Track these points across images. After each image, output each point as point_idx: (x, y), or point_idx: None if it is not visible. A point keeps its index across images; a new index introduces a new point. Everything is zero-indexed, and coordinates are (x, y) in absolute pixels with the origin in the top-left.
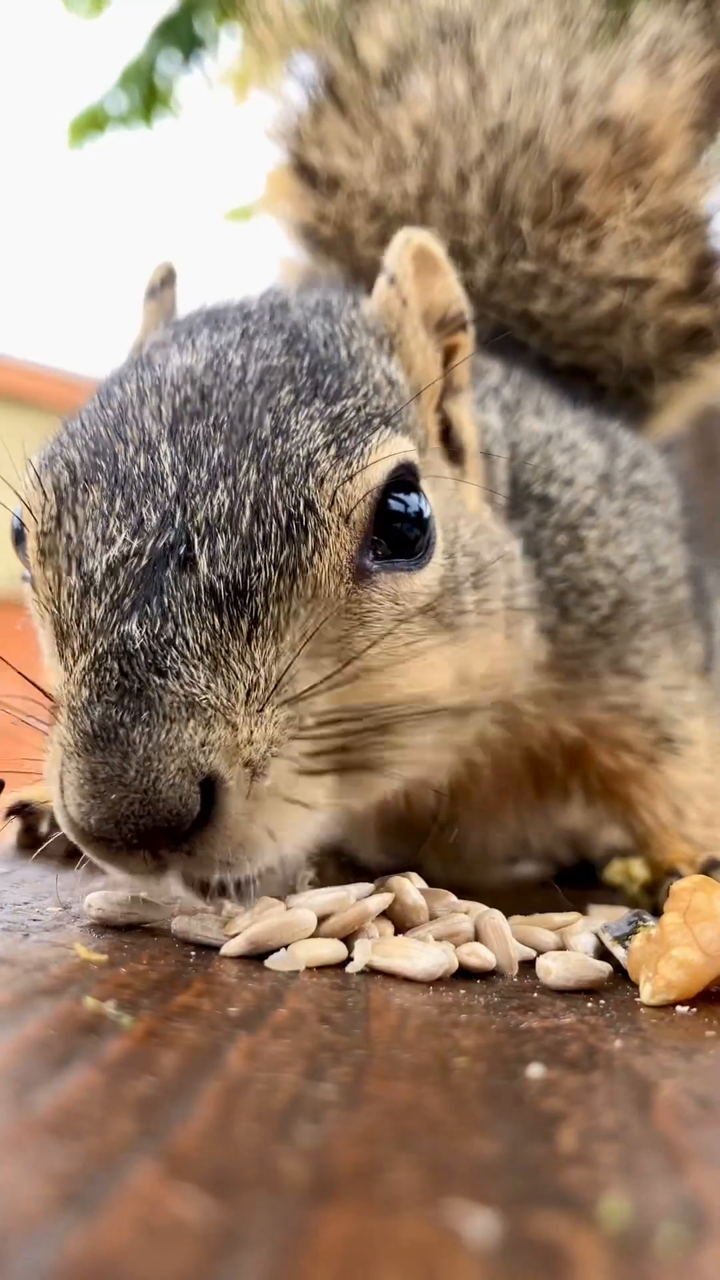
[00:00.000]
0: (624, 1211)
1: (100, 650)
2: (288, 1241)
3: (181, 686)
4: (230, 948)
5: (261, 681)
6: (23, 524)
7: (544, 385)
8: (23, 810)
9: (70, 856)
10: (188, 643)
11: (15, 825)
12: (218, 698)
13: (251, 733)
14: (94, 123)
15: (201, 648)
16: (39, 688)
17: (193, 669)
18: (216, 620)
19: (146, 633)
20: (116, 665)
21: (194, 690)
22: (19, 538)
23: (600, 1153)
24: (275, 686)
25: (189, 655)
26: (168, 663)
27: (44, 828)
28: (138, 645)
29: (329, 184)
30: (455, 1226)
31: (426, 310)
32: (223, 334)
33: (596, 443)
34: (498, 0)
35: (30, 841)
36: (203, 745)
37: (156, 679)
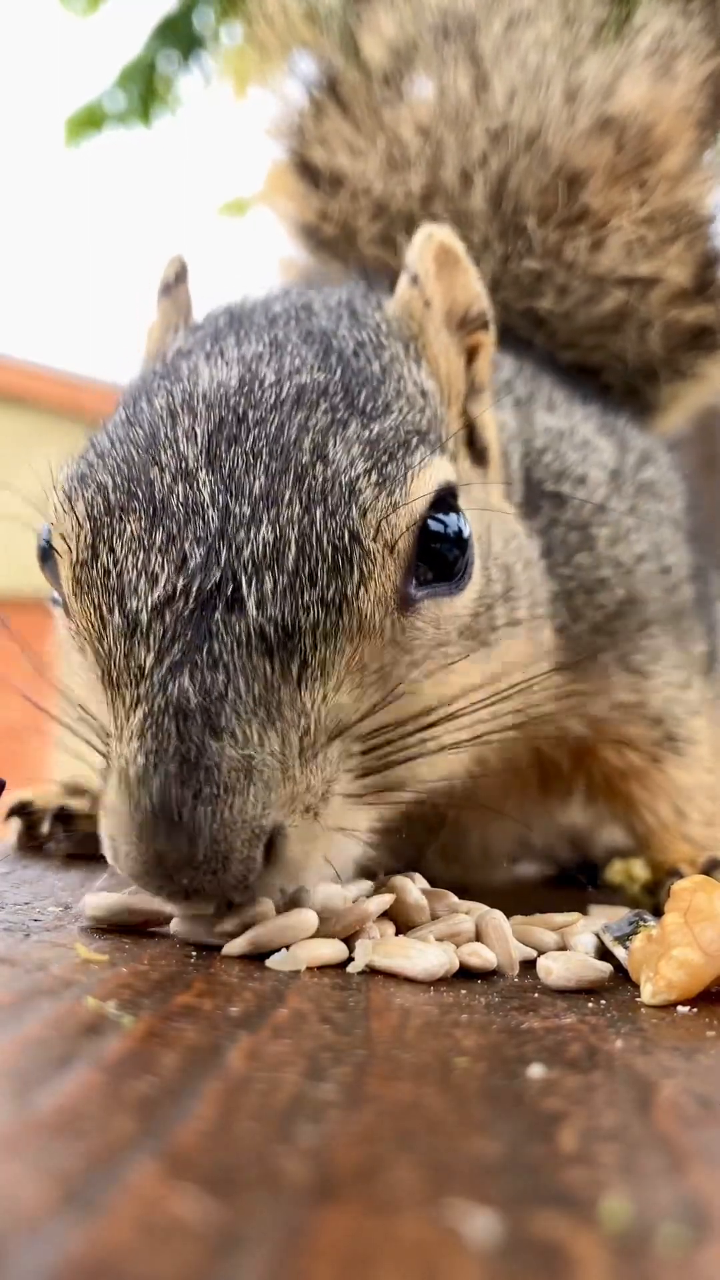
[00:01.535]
0: (624, 1211)
1: (155, 708)
2: (288, 1241)
3: (238, 750)
4: (232, 948)
5: (313, 726)
6: (50, 544)
7: (553, 379)
8: (23, 810)
9: (71, 857)
10: (240, 695)
11: (16, 825)
12: (273, 754)
13: (309, 781)
14: (91, 121)
15: (255, 699)
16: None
17: (247, 725)
18: (268, 666)
19: (200, 687)
20: (173, 727)
21: (250, 752)
22: (45, 556)
23: (601, 1153)
24: (326, 729)
25: (243, 711)
26: (223, 722)
27: (44, 828)
28: (192, 704)
29: (331, 183)
30: (456, 1226)
31: (449, 309)
32: (251, 344)
33: (607, 438)
34: None
35: (31, 842)
36: (264, 809)
37: (213, 743)
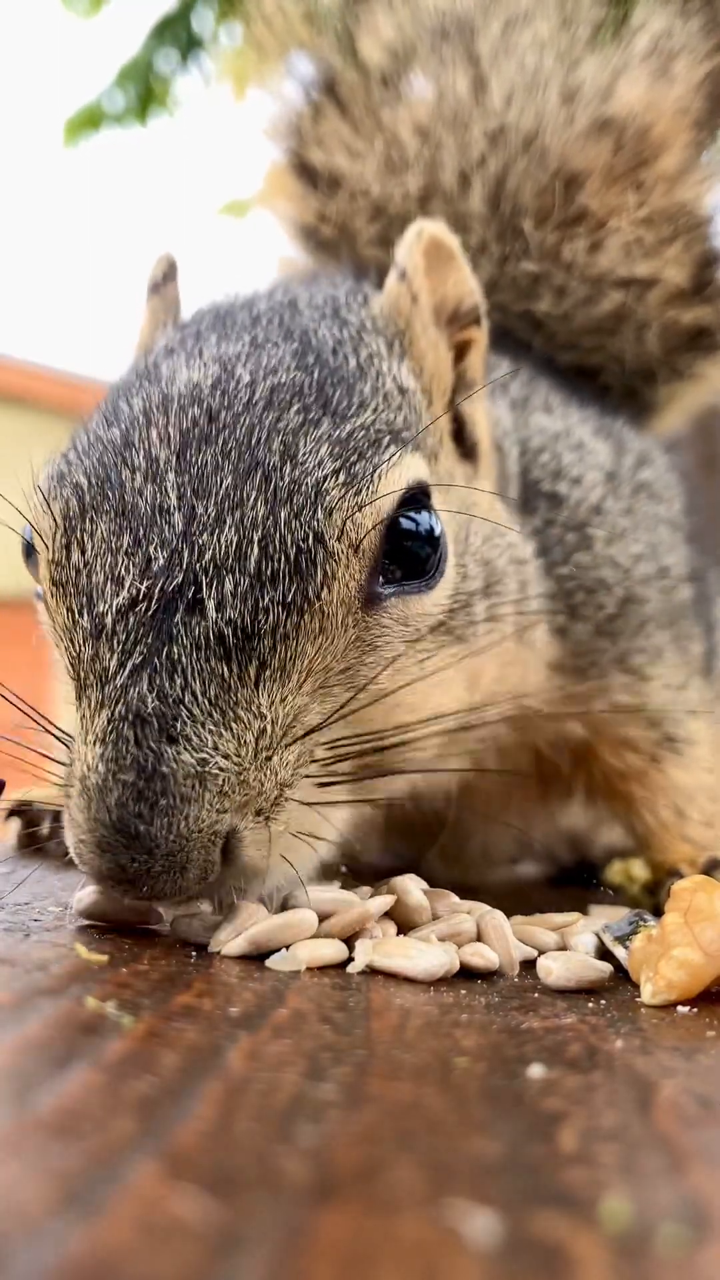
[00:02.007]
0: (624, 1211)
1: (116, 715)
2: (288, 1241)
3: (193, 754)
4: (231, 948)
5: (269, 727)
6: (32, 542)
7: (550, 383)
8: (23, 811)
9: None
10: (197, 698)
11: (16, 825)
12: (227, 758)
13: (262, 784)
14: (90, 121)
15: (210, 701)
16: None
17: (201, 728)
18: (225, 669)
19: (158, 693)
20: (131, 734)
21: (204, 756)
22: (29, 553)
23: (601, 1153)
24: (284, 730)
25: (198, 714)
26: (178, 727)
27: (44, 828)
28: (149, 710)
29: (330, 184)
30: (456, 1226)
31: (438, 305)
32: (231, 343)
33: (603, 440)
34: (498, 0)
35: (31, 841)
36: (219, 814)
37: (168, 749)
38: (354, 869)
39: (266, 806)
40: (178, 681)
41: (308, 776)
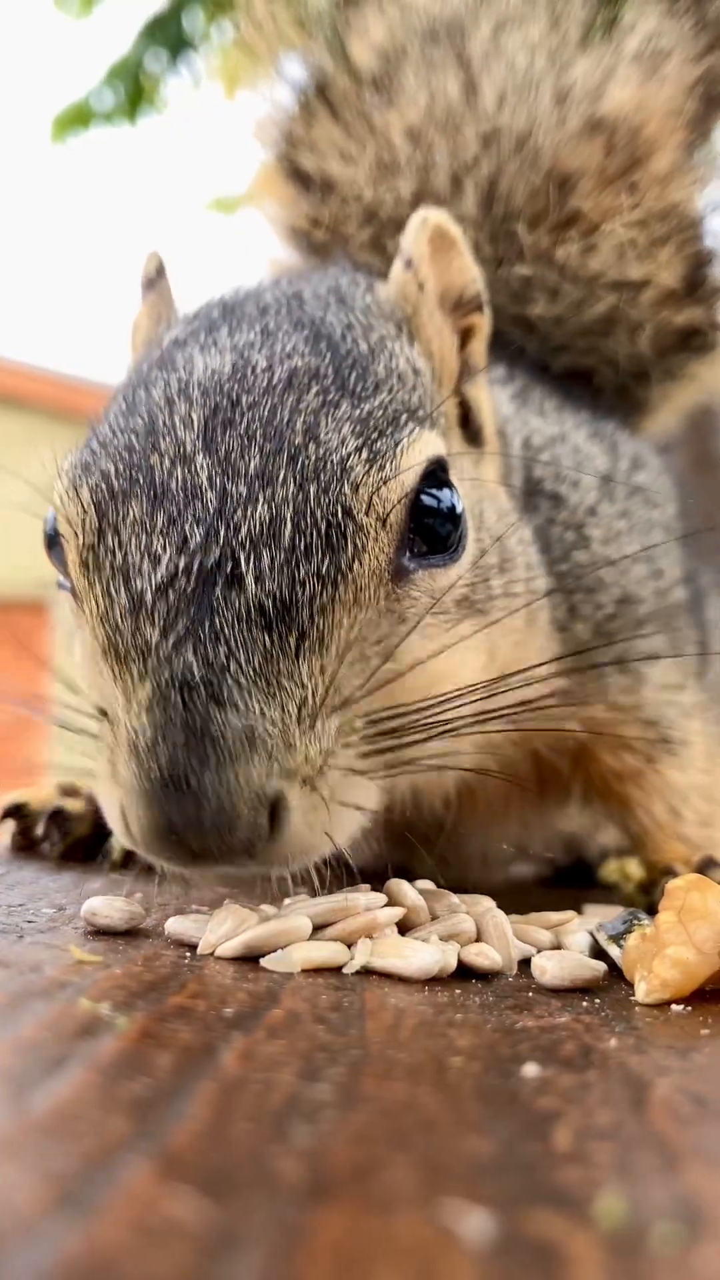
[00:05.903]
0: (619, 1210)
1: (161, 682)
2: (283, 1241)
3: (241, 719)
4: (225, 950)
5: (310, 697)
6: (57, 531)
7: (544, 390)
8: (18, 812)
9: (64, 859)
10: (242, 667)
11: (10, 827)
12: (274, 723)
13: (307, 750)
14: (78, 118)
15: (255, 670)
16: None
17: (248, 696)
18: (267, 638)
19: (203, 660)
20: (180, 700)
21: (252, 722)
22: (52, 542)
23: (595, 1151)
24: (325, 698)
25: (244, 682)
26: (225, 693)
27: (39, 830)
28: (196, 677)
29: (322, 188)
30: (451, 1226)
31: (443, 291)
32: (243, 333)
33: (598, 444)
34: (488, 2)
35: (25, 843)
36: (268, 776)
37: (218, 713)
38: (353, 870)
39: (312, 774)
40: (222, 650)
41: (348, 746)
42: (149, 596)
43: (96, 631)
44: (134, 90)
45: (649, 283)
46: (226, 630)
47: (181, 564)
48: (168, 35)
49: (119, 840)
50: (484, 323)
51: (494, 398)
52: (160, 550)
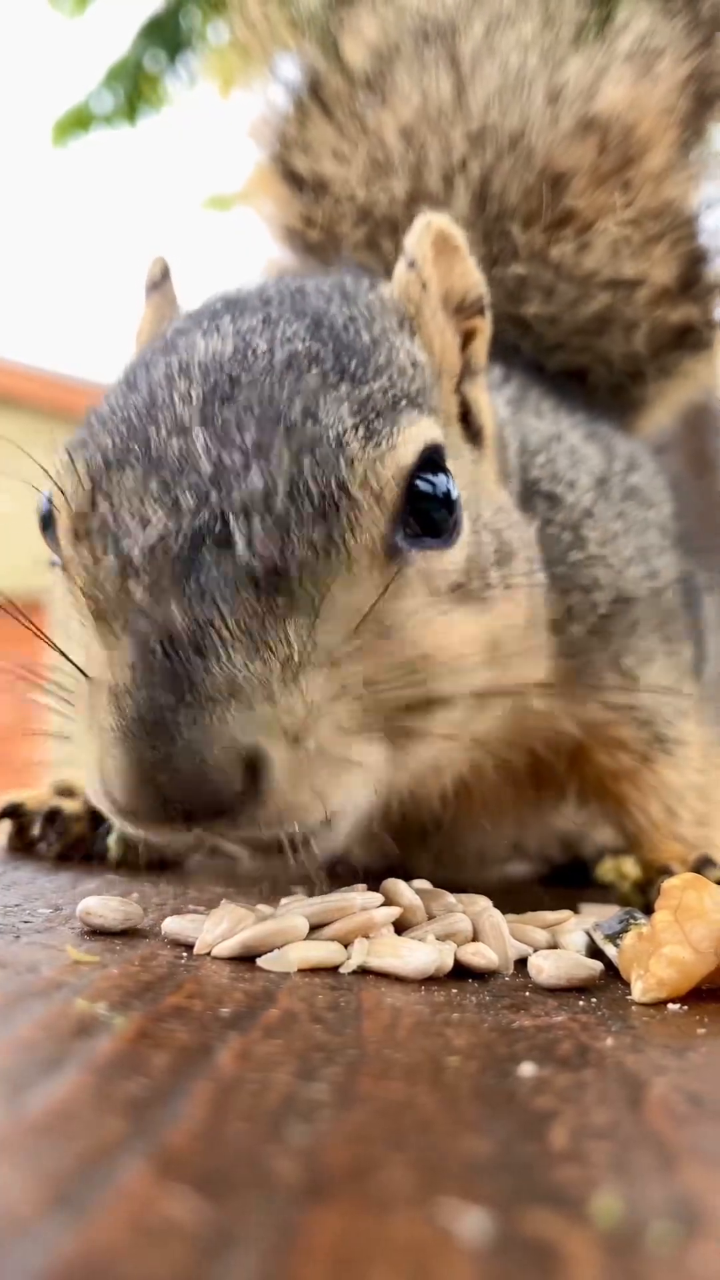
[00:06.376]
0: (616, 1209)
1: (143, 633)
2: (280, 1241)
3: (221, 667)
4: (222, 950)
5: (296, 655)
6: (52, 508)
7: (540, 390)
8: (14, 812)
9: (60, 859)
10: (226, 622)
11: (6, 828)
12: (255, 675)
13: (291, 703)
14: (78, 122)
15: (240, 625)
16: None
17: (231, 648)
18: (254, 599)
19: (187, 614)
20: (160, 648)
21: (234, 670)
22: (47, 523)
23: (592, 1151)
24: (310, 657)
25: (228, 635)
26: (208, 644)
27: (35, 830)
28: (179, 627)
29: (316, 188)
30: (448, 1225)
31: (445, 293)
32: (245, 319)
33: (593, 445)
34: (481, 1)
35: (22, 844)
36: (244, 724)
37: (198, 660)
38: (350, 870)
39: (295, 726)
40: (207, 606)
41: (338, 701)
42: (137, 556)
43: (83, 597)
44: (133, 92)
45: (644, 281)
46: (213, 588)
47: (171, 526)
48: (166, 36)
49: (115, 842)
50: (486, 326)
51: (493, 400)
52: (151, 514)
